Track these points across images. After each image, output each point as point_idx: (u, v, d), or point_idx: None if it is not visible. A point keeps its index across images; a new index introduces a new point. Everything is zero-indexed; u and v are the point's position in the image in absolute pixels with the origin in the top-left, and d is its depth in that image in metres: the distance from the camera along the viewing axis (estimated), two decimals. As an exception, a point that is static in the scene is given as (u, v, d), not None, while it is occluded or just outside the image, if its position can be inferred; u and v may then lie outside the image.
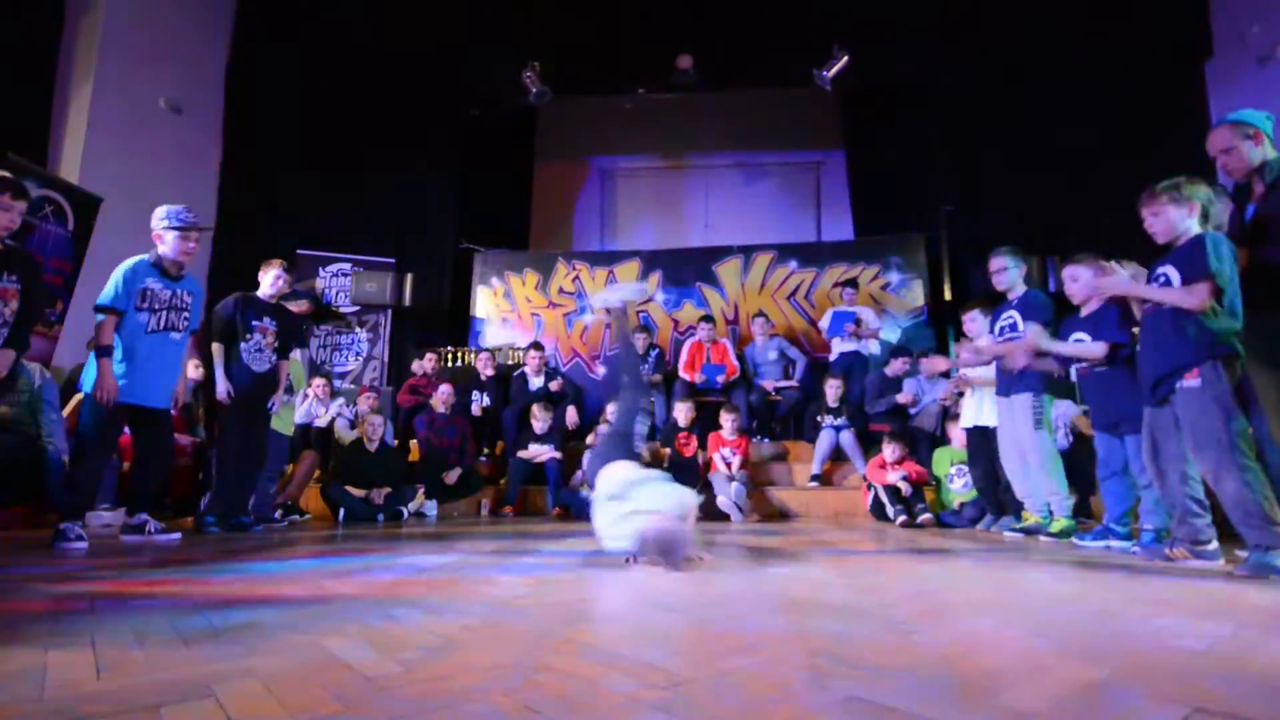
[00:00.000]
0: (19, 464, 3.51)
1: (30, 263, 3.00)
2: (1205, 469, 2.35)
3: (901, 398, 5.47)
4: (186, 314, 3.45)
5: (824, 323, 6.55)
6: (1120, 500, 3.23)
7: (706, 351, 6.37)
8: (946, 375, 4.93)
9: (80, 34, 6.16)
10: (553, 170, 9.29)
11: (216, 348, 3.84)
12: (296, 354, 5.18)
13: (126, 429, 3.42)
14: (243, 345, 3.87)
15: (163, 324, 3.35)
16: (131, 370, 3.23)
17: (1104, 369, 3.17)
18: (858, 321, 6.24)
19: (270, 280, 4.07)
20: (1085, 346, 3.21)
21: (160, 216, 3.40)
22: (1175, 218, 2.50)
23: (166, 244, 3.38)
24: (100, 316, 3.20)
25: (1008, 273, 3.79)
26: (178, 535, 3.37)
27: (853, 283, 6.72)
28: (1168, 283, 2.46)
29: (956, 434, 4.74)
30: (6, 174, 2.89)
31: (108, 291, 3.22)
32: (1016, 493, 3.77)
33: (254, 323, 3.93)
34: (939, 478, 4.84)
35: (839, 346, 6.31)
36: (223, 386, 3.79)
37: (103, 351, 3.15)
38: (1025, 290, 3.78)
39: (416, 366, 6.64)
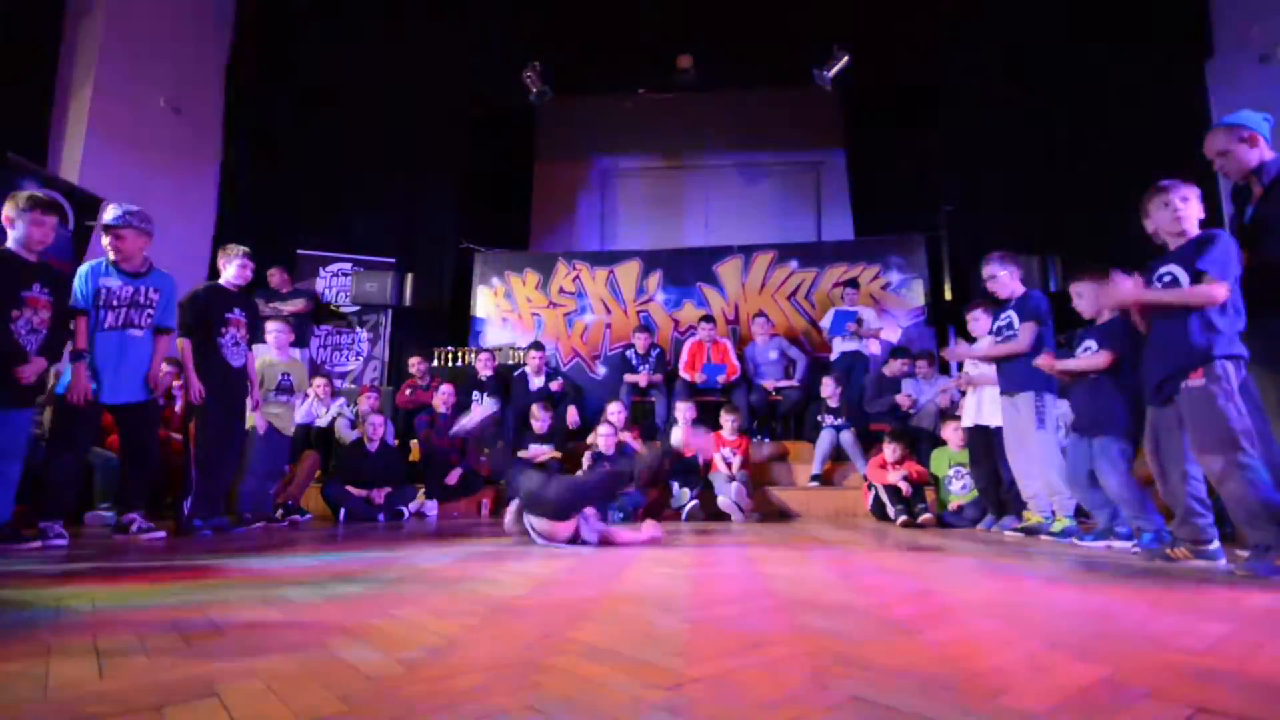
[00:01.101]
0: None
1: (62, 279, 3.14)
2: (1209, 468, 2.35)
3: (901, 399, 5.47)
4: (150, 310, 3.42)
5: (825, 322, 6.55)
6: (1098, 503, 3.25)
7: (707, 351, 6.37)
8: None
9: (80, 34, 6.15)
10: (553, 170, 9.29)
11: (184, 343, 3.64)
12: (296, 353, 5.18)
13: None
14: (219, 340, 3.75)
15: (121, 320, 3.34)
16: (99, 369, 3.25)
17: (1095, 374, 3.20)
18: (858, 321, 6.24)
19: (235, 269, 3.90)
20: (1089, 359, 3.21)
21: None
22: (1175, 216, 2.50)
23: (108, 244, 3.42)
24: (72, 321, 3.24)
25: (997, 280, 3.79)
26: (162, 534, 3.36)
27: (853, 283, 6.73)
28: (1174, 281, 2.45)
29: (951, 435, 4.74)
30: (39, 194, 3.07)
31: (72, 294, 3.27)
32: (1022, 492, 3.76)
33: (227, 315, 3.80)
34: (939, 478, 4.84)
35: (840, 346, 6.32)
36: (196, 387, 3.61)
37: (75, 355, 3.19)
38: (1024, 290, 3.78)
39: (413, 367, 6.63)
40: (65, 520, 3.16)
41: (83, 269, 3.36)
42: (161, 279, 3.51)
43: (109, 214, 3.41)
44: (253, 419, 4.14)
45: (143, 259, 3.46)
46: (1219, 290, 2.30)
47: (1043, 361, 3.39)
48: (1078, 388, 3.30)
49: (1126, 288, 2.52)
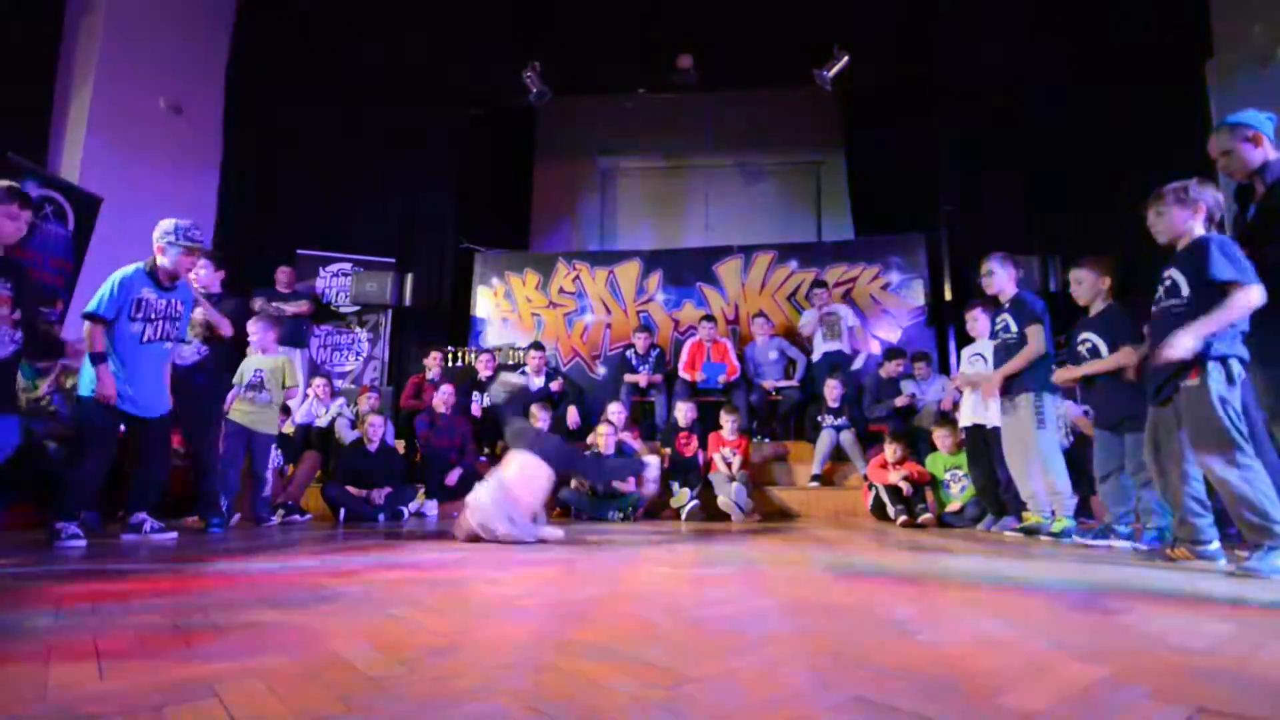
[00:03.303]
0: (22, 464, 3.51)
1: (21, 270, 3.01)
2: (1207, 468, 2.35)
3: (900, 401, 5.47)
4: (179, 323, 3.44)
5: (806, 321, 6.56)
6: (1119, 500, 3.24)
7: (707, 351, 6.37)
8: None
9: (80, 34, 6.15)
10: (553, 170, 9.28)
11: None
12: (294, 353, 5.15)
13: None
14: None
15: (158, 334, 3.35)
16: (125, 381, 3.22)
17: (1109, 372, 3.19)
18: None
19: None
20: (1113, 359, 3.15)
21: (166, 230, 3.38)
22: (1179, 219, 2.50)
23: (168, 258, 3.37)
24: (86, 324, 3.19)
25: (994, 276, 3.83)
26: (174, 534, 3.37)
27: (822, 283, 6.85)
28: (1174, 286, 2.46)
29: (942, 440, 4.72)
30: (14, 185, 2.94)
31: (98, 299, 3.21)
32: (1021, 493, 3.76)
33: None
34: (938, 481, 4.84)
35: (821, 346, 6.36)
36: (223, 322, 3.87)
37: (97, 358, 3.15)
38: (1015, 293, 3.81)
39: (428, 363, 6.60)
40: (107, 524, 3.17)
41: (117, 276, 3.26)
42: (186, 291, 3.52)
43: (191, 232, 3.39)
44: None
45: None
46: (1255, 293, 2.25)
47: (1062, 376, 3.37)
48: (1096, 386, 3.28)
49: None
